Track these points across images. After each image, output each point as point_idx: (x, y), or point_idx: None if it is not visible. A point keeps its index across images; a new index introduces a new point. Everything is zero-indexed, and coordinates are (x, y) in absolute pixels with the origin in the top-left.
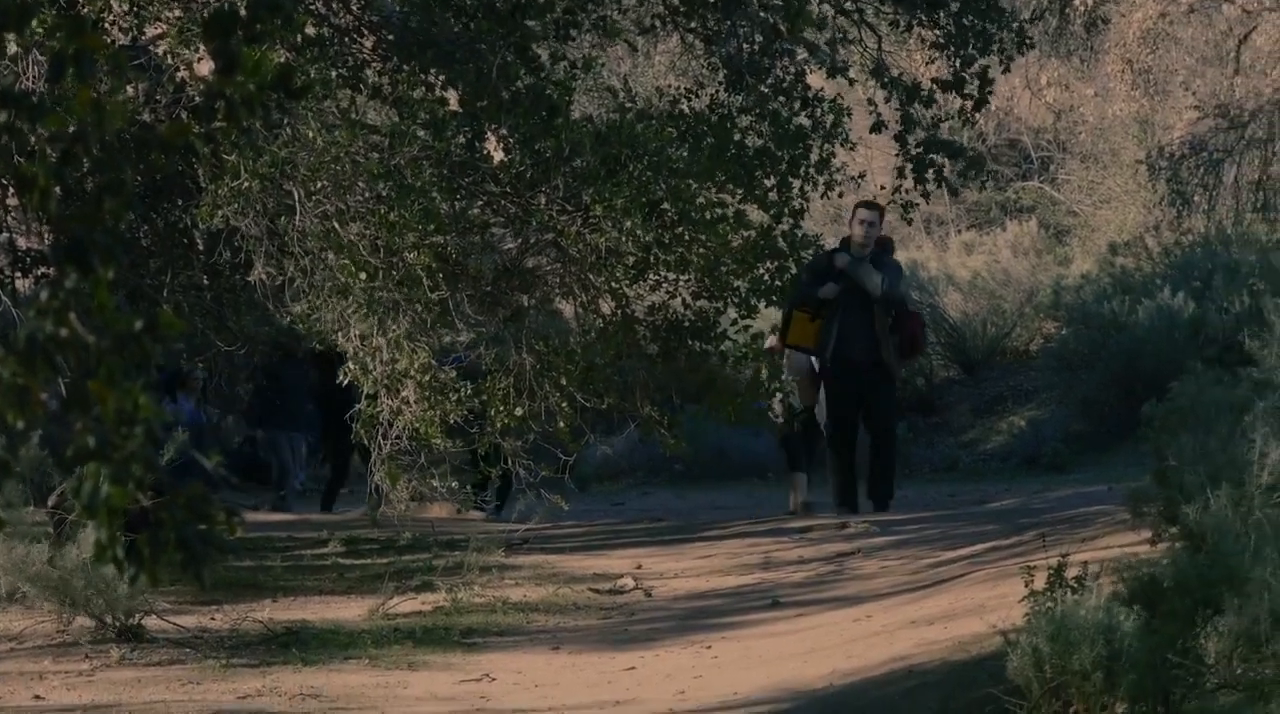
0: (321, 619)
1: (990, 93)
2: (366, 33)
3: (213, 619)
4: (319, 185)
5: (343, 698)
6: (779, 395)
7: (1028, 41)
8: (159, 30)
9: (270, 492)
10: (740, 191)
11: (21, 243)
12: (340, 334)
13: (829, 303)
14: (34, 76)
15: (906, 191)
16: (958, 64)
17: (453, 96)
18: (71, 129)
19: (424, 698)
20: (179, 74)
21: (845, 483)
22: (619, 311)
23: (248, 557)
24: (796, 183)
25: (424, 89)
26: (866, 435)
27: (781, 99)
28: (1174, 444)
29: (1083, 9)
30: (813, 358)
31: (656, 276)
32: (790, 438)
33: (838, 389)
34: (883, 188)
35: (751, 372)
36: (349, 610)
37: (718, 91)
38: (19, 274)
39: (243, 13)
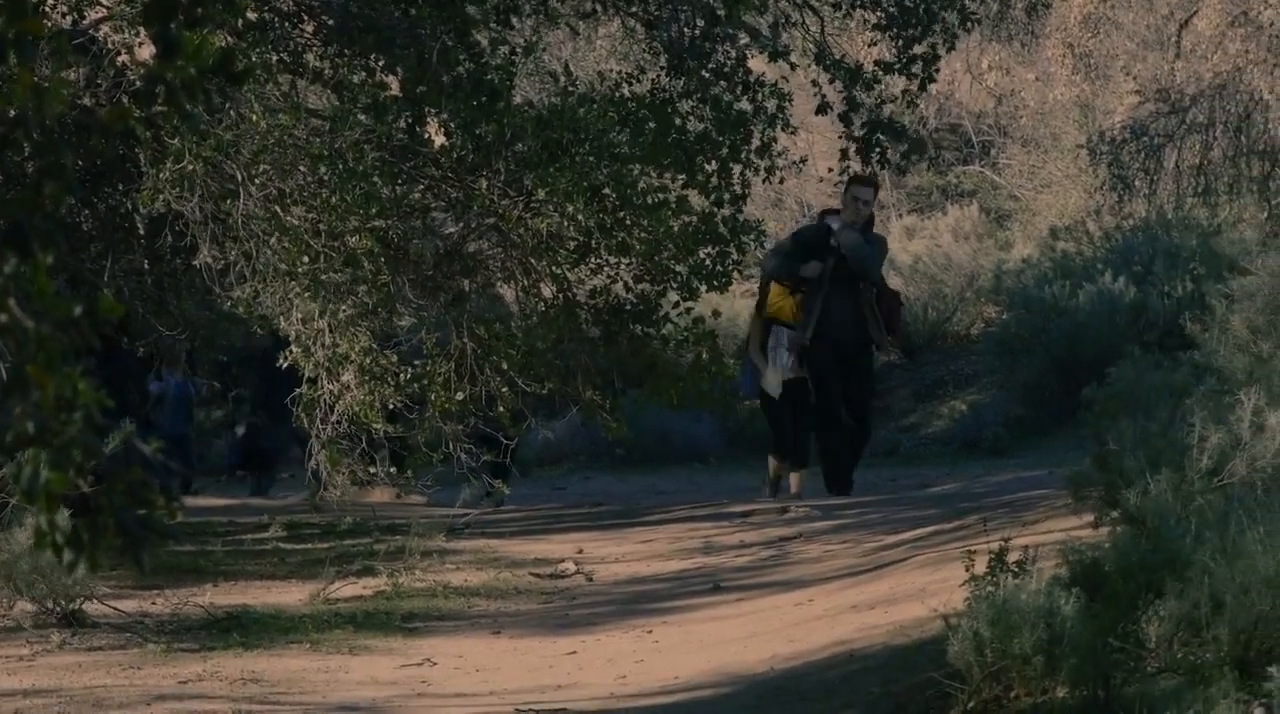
0: (262, 604)
1: (935, 74)
2: (307, 18)
3: (154, 604)
4: (261, 168)
5: (283, 682)
6: (779, 366)
7: (971, 19)
8: (100, 14)
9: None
10: (682, 176)
11: None
12: (283, 317)
13: (811, 280)
14: None
15: (852, 172)
16: (900, 45)
17: (394, 81)
18: (12, 113)
19: (365, 682)
20: (120, 58)
21: (837, 465)
22: (560, 296)
23: (189, 541)
24: (738, 168)
25: (365, 73)
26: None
27: (723, 84)
28: (1114, 428)
29: None
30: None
31: (598, 261)
32: (780, 420)
33: (824, 371)
34: (830, 170)
35: (693, 355)
36: (290, 595)
37: (659, 76)
38: None
39: None
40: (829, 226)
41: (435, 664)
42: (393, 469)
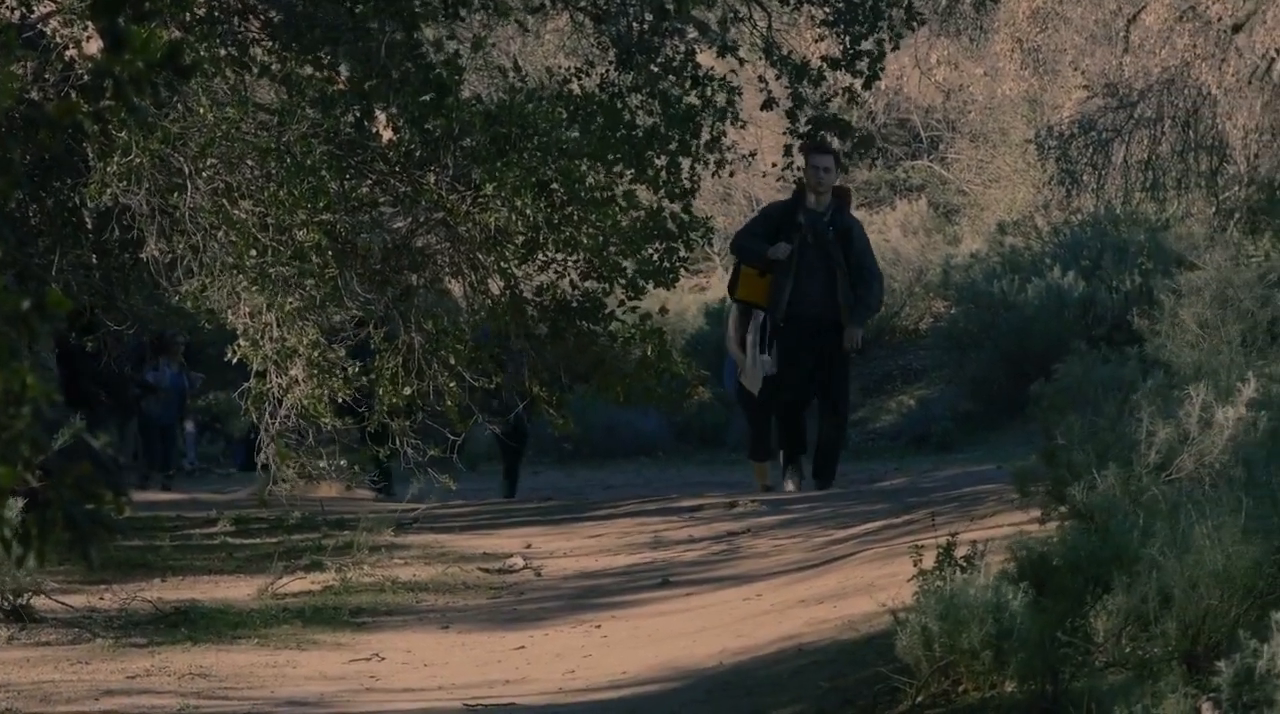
0: (211, 599)
1: (881, 71)
2: (253, 14)
3: (101, 599)
4: (209, 162)
5: (232, 677)
6: (758, 364)
7: (917, 18)
8: (48, 8)
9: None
10: (630, 172)
11: None
12: (230, 311)
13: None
14: None
15: (796, 169)
16: (847, 41)
17: (342, 76)
18: None
19: (313, 677)
20: (68, 52)
21: (795, 452)
22: (508, 291)
23: (136, 536)
24: (687, 163)
25: (313, 68)
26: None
27: (672, 78)
28: (1062, 423)
29: None
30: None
31: (545, 257)
32: (760, 420)
33: (791, 350)
34: (774, 165)
35: (640, 352)
36: (238, 590)
37: (608, 71)
38: None
39: None
40: (798, 202)
41: (383, 659)
42: (342, 462)
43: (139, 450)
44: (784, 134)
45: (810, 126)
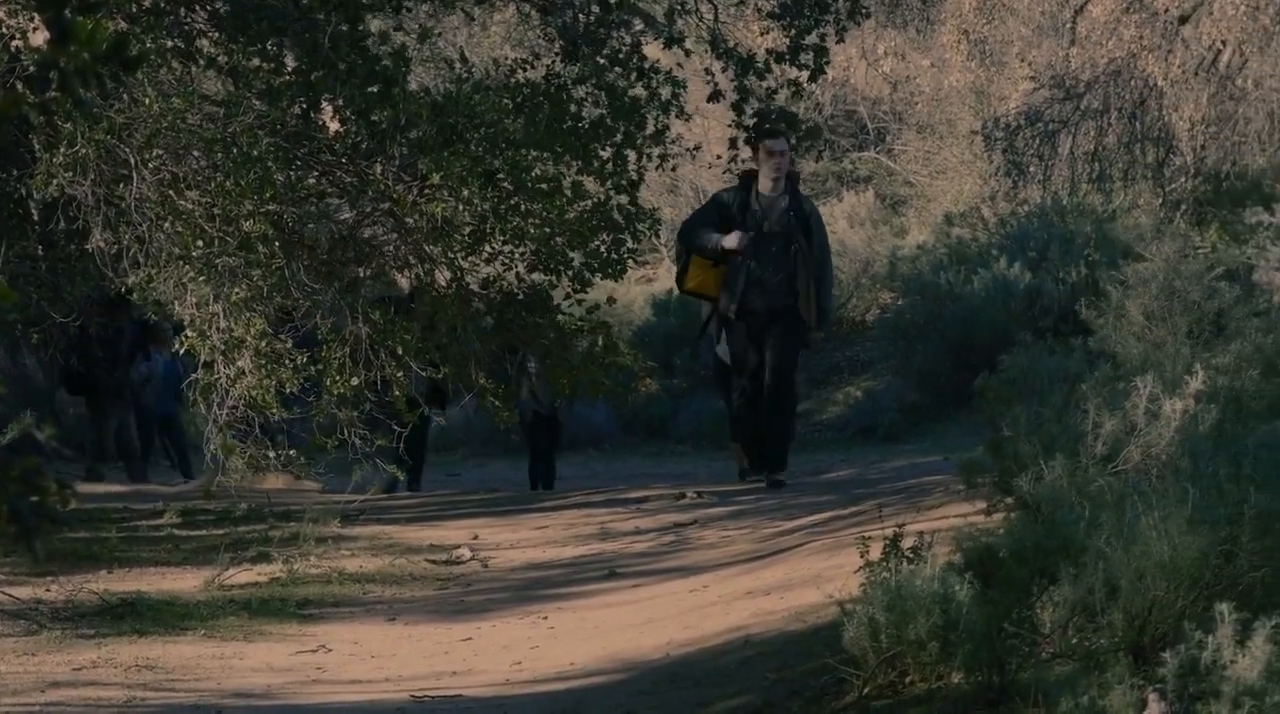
0: (157, 590)
1: (826, 64)
2: (198, 7)
3: (48, 590)
4: (155, 153)
5: (178, 669)
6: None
7: (861, 11)
8: None
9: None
10: (577, 163)
11: None
12: (177, 302)
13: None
14: None
15: (743, 161)
16: (793, 34)
17: (289, 67)
18: None
19: (260, 669)
20: (14, 43)
21: (755, 446)
22: (454, 283)
23: (83, 528)
24: (632, 154)
25: (259, 59)
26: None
27: (618, 70)
28: (1008, 415)
29: None
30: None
31: (492, 248)
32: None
33: (744, 342)
34: (719, 157)
35: (588, 344)
36: (185, 582)
37: (554, 63)
38: None
39: None
40: (750, 188)
41: (330, 651)
42: (291, 452)
43: (134, 441)
44: (730, 126)
45: (756, 119)
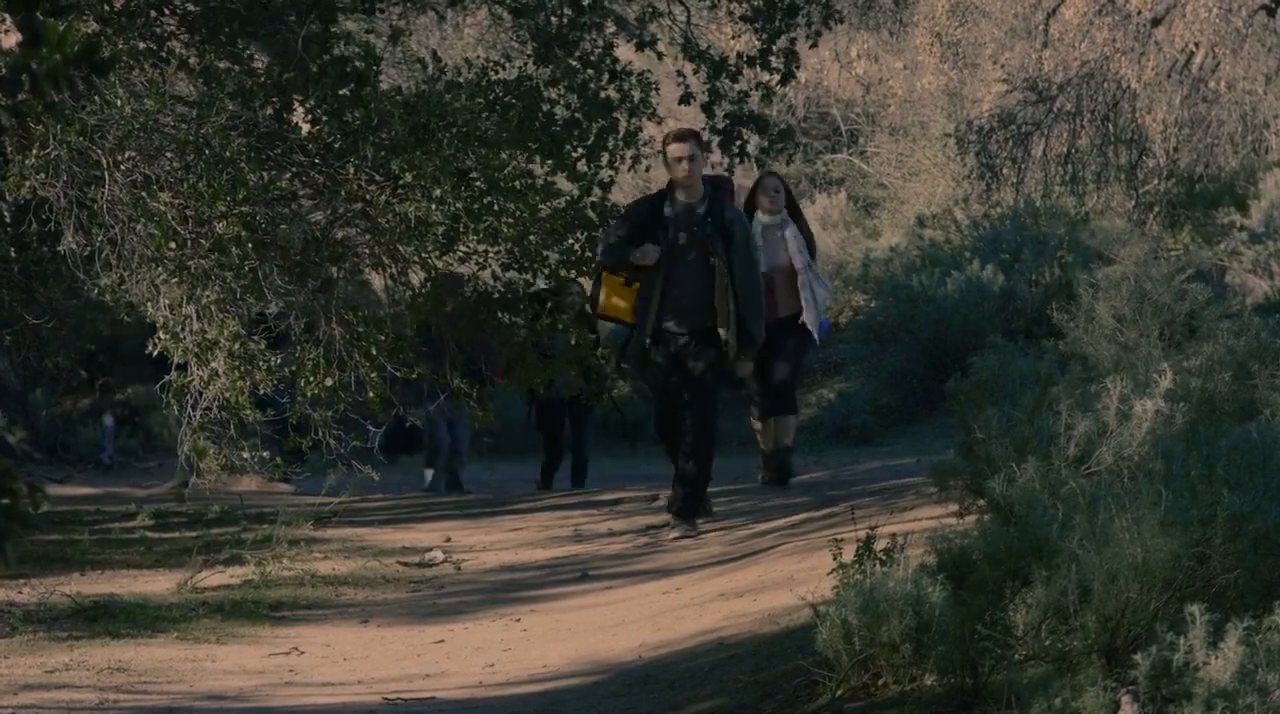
0: (130, 593)
1: (797, 68)
2: (169, 9)
3: (20, 593)
4: (127, 154)
5: (151, 672)
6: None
7: (835, 16)
8: None
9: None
10: (549, 162)
11: None
12: (150, 304)
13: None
14: None
15: (713, 164)
16: (765, 38)
17: (260, 68)
18: None
19: (232, 671)
20: None
21: (685, 489)
22: (428, 283)
23: (56, 530)
24: (605, 154)
25: (231, 61)
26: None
27: (590, 72)
28: (980, 417)
29: None
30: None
31: (466, 248)
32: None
33: (664, 372)
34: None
35: (562, 342)
36: (157, 584)
37: (526, 64)
38: None
39: None
40: (665, 196)
41: (303, 653)
42: (264, 454)
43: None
44: (703, 129)
45: (728, 121)
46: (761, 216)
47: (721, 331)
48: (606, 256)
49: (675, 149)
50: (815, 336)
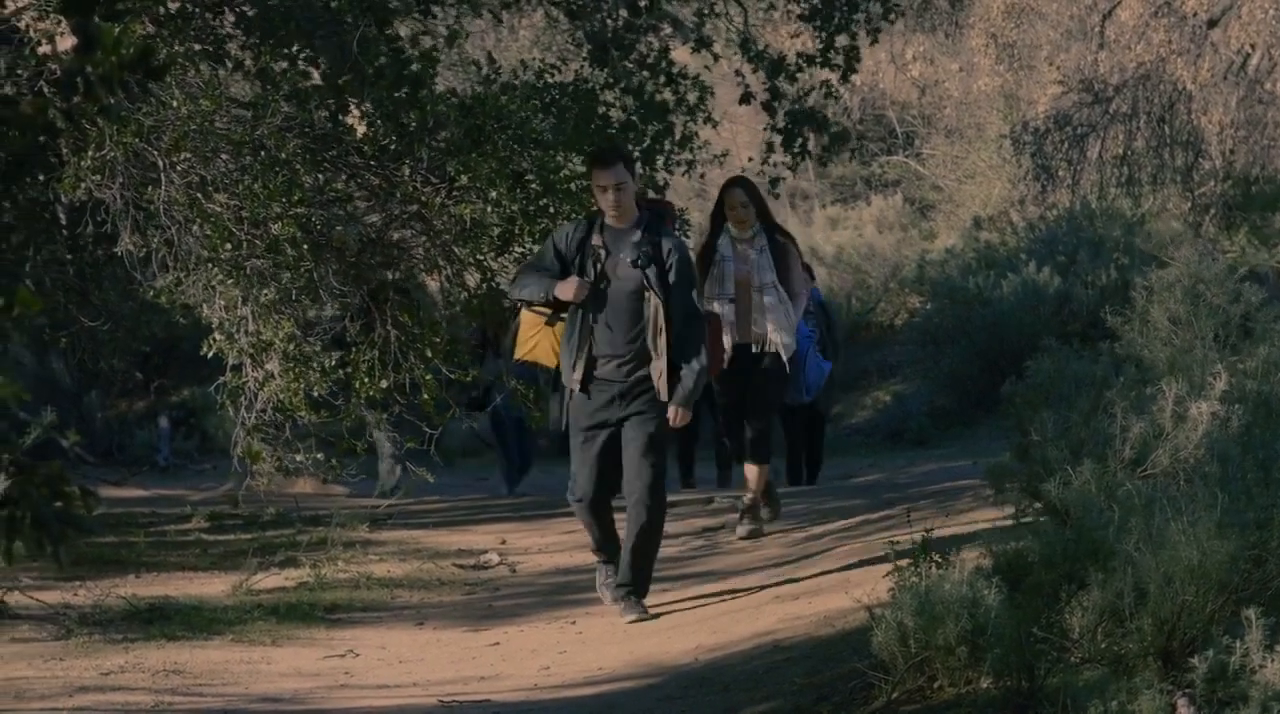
0: (185, 595)
1: (857, 64)
2: (227, 9)
3: (76, 595)
4: (183, 156)
5: (206, 674)
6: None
7: (894, 11)
8: (22, 3)
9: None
10: None
11: None
12: (205, 305)
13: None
14: None
15: (774, 165)
16: (824, 37)
17: (316, 70)
18: None
19: (288, 674)
20: (41, 48)
21: (612, 550)
22: (484, 285)
23: (111, 533)
24: (660, 157)
25: (287, 63)
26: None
27: (646, 74)
28: (1035, 420)
29: None
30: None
31: (521, 249)
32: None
33: (591, 425)
34: (750, 160)
35: None
36: (212, 587)
37: (582, 66)
38: None
39: None
40: (594, 224)
41: (358, 655)
42: (319, 456)
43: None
44: (763, 129)
45: (788, 121)
46: (731, 229)
47: (654, 377)
48: (523, 292)
49: (600, 177)
50: (785, 364)
